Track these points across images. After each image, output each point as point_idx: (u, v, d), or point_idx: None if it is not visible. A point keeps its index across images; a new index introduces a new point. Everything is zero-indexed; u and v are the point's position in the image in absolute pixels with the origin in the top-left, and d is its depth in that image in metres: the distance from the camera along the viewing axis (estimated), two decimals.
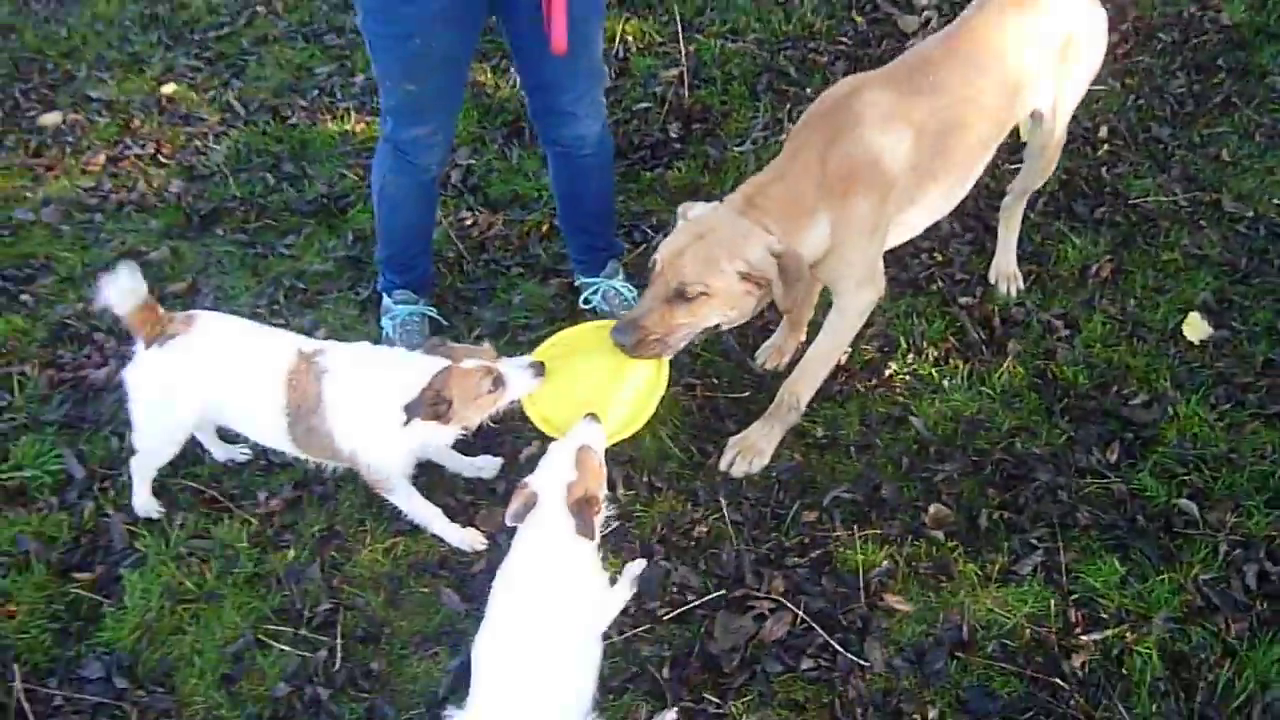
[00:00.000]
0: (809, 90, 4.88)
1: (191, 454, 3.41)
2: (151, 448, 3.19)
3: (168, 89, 5.42)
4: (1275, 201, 4.16)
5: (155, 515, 3.29)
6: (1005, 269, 3.91)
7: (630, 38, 5.34)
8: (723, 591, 2.99)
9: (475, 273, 4.12)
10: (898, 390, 3.55)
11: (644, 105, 4.92)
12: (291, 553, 3.17)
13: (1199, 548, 3.03)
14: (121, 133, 5.14)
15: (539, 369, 2.89)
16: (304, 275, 4.10)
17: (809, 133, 3.08)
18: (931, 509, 3.18)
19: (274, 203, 4.57)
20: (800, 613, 2.92)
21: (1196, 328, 3.68)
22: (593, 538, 2.55)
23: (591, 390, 2.99)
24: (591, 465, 2.61)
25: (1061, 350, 3.62)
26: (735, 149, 4.53)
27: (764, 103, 4.85)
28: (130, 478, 3.28)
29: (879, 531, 3.13)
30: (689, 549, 3.12)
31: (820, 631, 2.88)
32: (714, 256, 2.92)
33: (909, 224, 3.31)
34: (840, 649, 2.85)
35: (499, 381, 2.82)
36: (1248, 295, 3.80)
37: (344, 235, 4.35)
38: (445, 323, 3.84)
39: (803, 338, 3.66)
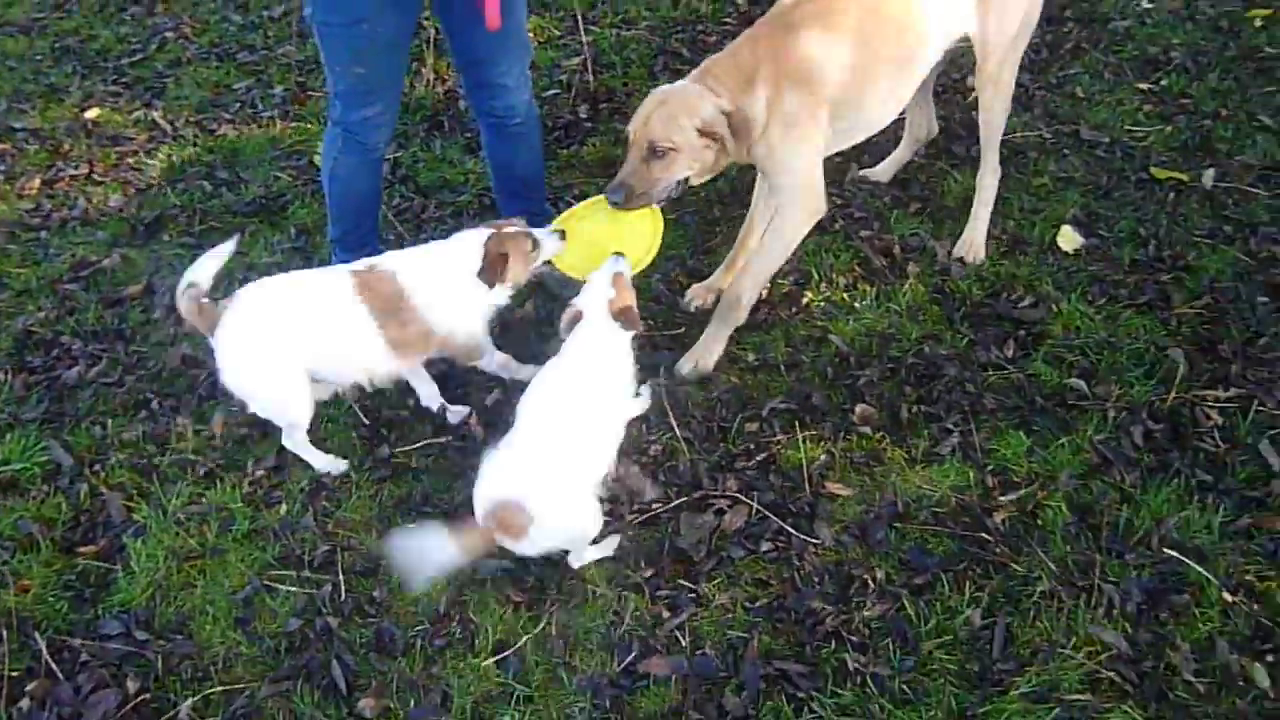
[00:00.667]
0: None
1: (175, 432, 3.65)
2: (289, 418, 3.45)
3: (91, 114, 5.59)
4: (1126, 127, 4.68)
5: (341, 469, 3.53)
6: (972, 239, 4.16)
7: (531, 33, 5.68)
8: (683, 499, 3.34)
9: None
10: (816, 315, 3.95)
11: (553, 92, 5.28)
12: (284, 507, 3.44)
13: (1091, 416, 3.47)
14: (52, 157, 5.30)
15: (562, 234, 3.56)
16: (255, 268, 4.35)
17: (758, 29, 3.61)
18: (858, 408, 3.57)
19: (214, 207, 4.80)
20: (755, 505, 3.28)
21: (1070, 238, 4.16)
22: (638, 328, 3.27)
23: (606, 241, 3.57)
24: (624, 286, 3.30)
25: (955, 267, 4.06)
26: None
27: (662, 81, 5.22)
28: (295, 453, 3.53)
29: (814, 432, 3.51)
30: (647, 465, 3.47)
31: (774, 518, 3.25)
32: (674, 116, 3.44)
33: (857, 126, 3.77)
34: (793, 531, 3.22)
35: (535, 243, 3.46)
36: (1110, 208, 4.29)
37: (287, 230, 4.60)
38: None
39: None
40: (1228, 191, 4.30)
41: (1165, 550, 3.06)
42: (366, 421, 3.70)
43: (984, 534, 3.17)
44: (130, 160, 5.19)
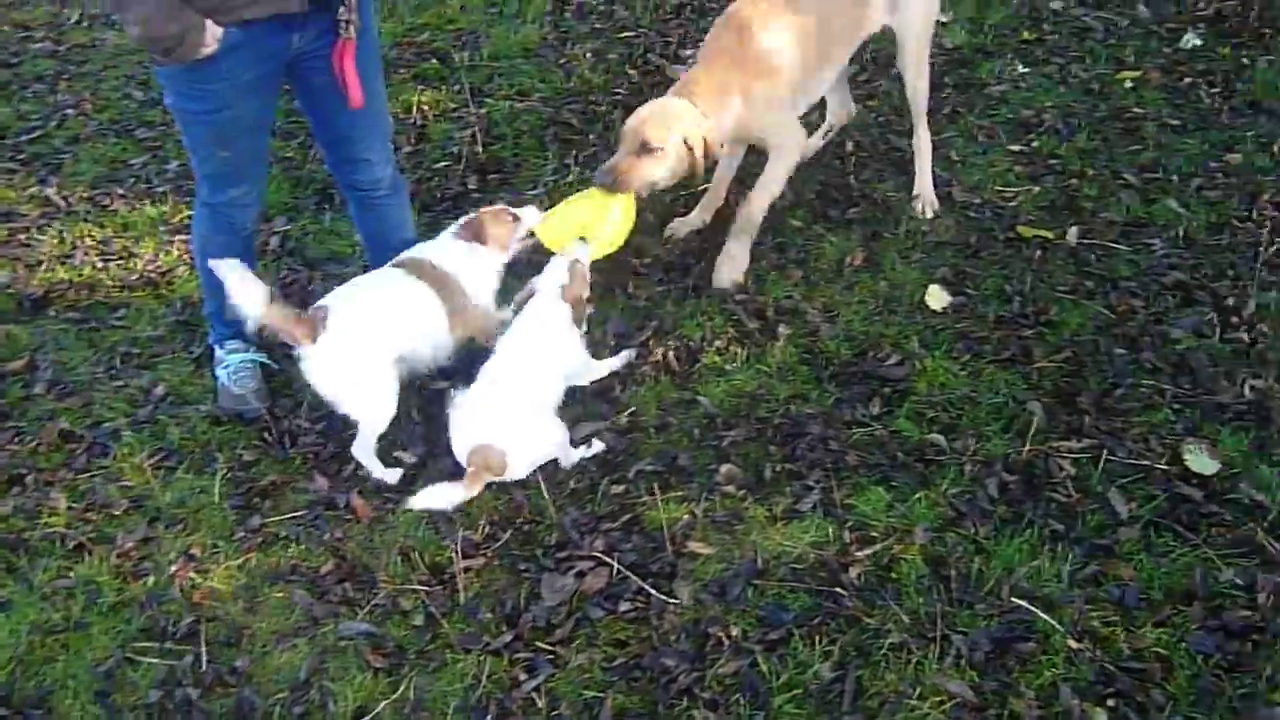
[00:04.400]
0: (591, 137, 5.42)
1: (47, 505, 3.66)
2: (381, 416, 3.72)
3: None
4: (996, 188, 4.83)
5: (395, 479, 3.75)
6: (922, 193, 4.80)
7: (426, 107, 5.81)
8: (548, 562, 3.39)
9: None
10: (688, 379, 4.03)
11: (443, 163, 5.37)
12: (151, 579, 3.44)
13: (949, 470, 3.55)
14: None
15: (540, 209, 4.17)
16: (138, 341, 4.38)
17: (717, 41, 4.26)
18: (723, 469, 3.64)
19: (103, 281, 4.83)
20: (617, 565, 3.33)
21: (937, 297, 4.27)
22: (581, 325, 3.89)
23: (584, 220, 4.11)
24: (581, 275, 3.91)
25: (825, 328, 4.16)
26: (529, 193, 5.01)
27: (552, 152, 5.36)
28: (360, 463, 3.76)
29: (680, 493, 3.57)
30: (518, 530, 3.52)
31: (635, 578, 3.29)
32: (668, 122, 4.05)
33: (814, 91, 4.54)
34: (653, 591, 3.26)
35: (515, 216, 4.07)
36: (979, 266, 4.42)
37: (173, 304, 4.63)
38: (277, 367, 4.17)
39: (708, 219, 4.81)
40: (1091, 248, 4.45)
41: (1014, 600, 3.13)
42: (239, 491, 3.72)
43: (839, 588, 3.23)
44: (21, 236, 5.22)
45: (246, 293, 3.44)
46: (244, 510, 3.67)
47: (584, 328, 3.94)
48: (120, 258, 5.00)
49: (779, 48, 4.22)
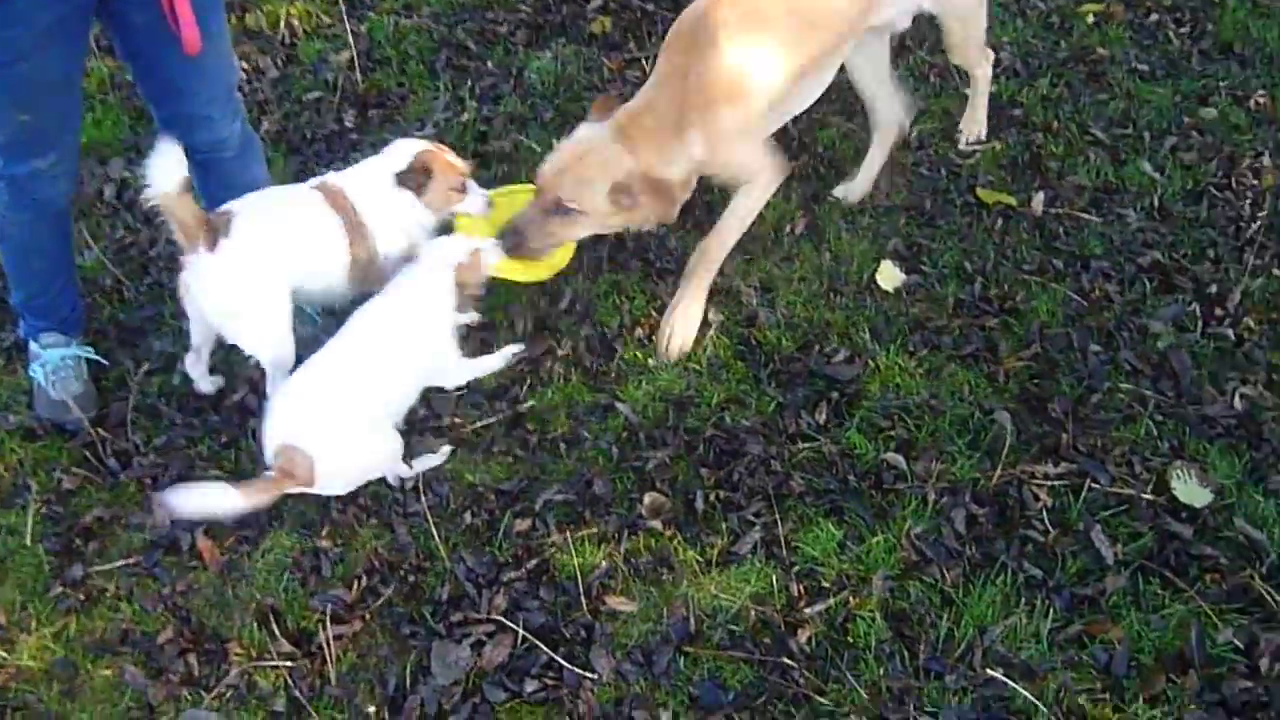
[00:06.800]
0: (490, 64, 4.68)
1: None
2: (274, 353, 3.18)
3: None
4: (951, 144, 4.26)
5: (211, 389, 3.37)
6: (970, 123, 4.23)
7: (296, 20, 4.97)
8: (439, 625, 2.82)
9: (138, 299, 3.73)
10: (607, 377, 3.44)
11: (315, 94, 4.58)
12: None
13: (909, 501, 3.06)
14: None
15: (490, 202, 3.44)
16: None
17: (672, 54, 3.31)
18: (647, 498, 3.09)
19: None
20: (521, 630, 2.77)
21: (889, 275, 3.73)
22: (466, 309, 3.22)
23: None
24: (478, 266, 3.22)
25: (763, 313, 3.59)
26: (416, 133, 4.26)
27: (444, 81, 4.61)
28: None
29: (595, 530, 3.02)
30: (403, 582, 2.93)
31: (544, 648, 2.75)
32: (588, 178, 3.23)
33: (787, 111, 3.61)
34: (565, 664, 2.73)
35: (465, 188, 3.36)
36: (934, 237, 3.87)
37: None
38: (105, 362, 3.46)
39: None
40: (1059, 218, 3.93)
41: (989, 671, 2.66)
42: (56, 530, 3.05)
43: (787, 659, 2.73)
44: None
45: (164, 166, 2.90)
46: (62, 556, 3.00)
47: (466, 319, 3.30)
48: None
49: (750, 62, 3.27)
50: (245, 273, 3.06)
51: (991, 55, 4.14)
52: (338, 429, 2.95)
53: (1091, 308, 3.61)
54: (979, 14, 3.90)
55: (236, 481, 2.88)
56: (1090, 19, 4.86)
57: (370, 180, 3.29)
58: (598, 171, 3.23)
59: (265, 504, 2.91)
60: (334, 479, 2.99)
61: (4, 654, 2.79)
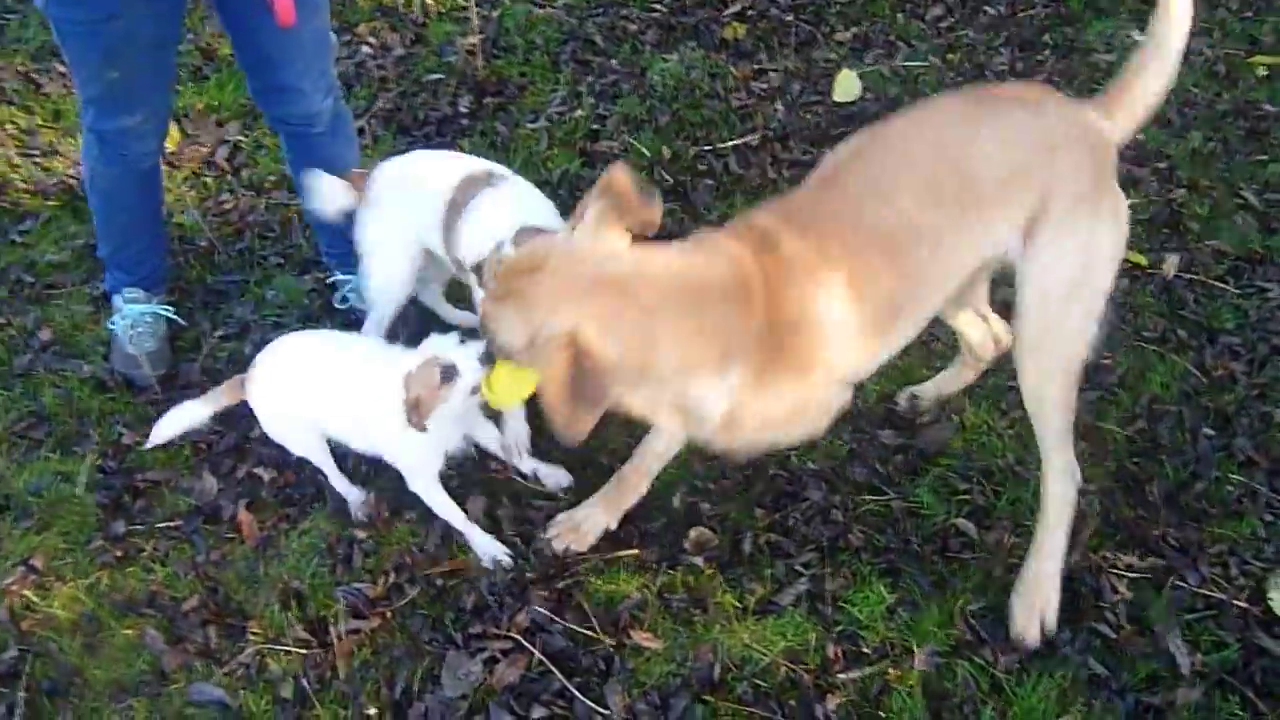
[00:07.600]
0: (615, 61, 4.58)
1: None
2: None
3: None
4: None
5: None
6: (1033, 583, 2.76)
7: (431, 1, 4.96)
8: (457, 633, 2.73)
9: (227, 264, 3.76)
10: None
11: (436, 76, 4.55)
12: None
13: (973, 573, 2.84)
14: None
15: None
16: (34, 267, 3.70)
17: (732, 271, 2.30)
18: (693, 532, 2.94)
19: (14, 181, 4.13)
20: (538, 654, 2.67)
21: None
22: (420, 428, 2.63)
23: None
24: (430, 382, 2.59)
25: None
26: (528, 125, 4.20)
27: (565, 74, 4.53)
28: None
29: (634, 555, 2.89)
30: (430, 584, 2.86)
31: (558, 675, 2.63)
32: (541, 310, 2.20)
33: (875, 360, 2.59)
34: (578, 694, 2.61)
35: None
36: None
37: (89, 221, 3.92)
38: (183, 322, 3.49)
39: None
40: (1190, 284, 3.63)
41: None
42: (108, 484, 3.08)
43: None
44: None
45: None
46: (109, 510, 3.03)
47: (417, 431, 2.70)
48: (41, 154, 4.27)
49: (827, 319, 2.34)
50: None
51: (1078, 475, 2.77)
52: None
53: (1211, 386, 3.31)
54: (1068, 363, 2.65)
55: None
56: (1262, 71, 4.49)
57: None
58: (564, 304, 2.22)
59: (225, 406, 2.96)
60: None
61: (37, 599, 2.82)
